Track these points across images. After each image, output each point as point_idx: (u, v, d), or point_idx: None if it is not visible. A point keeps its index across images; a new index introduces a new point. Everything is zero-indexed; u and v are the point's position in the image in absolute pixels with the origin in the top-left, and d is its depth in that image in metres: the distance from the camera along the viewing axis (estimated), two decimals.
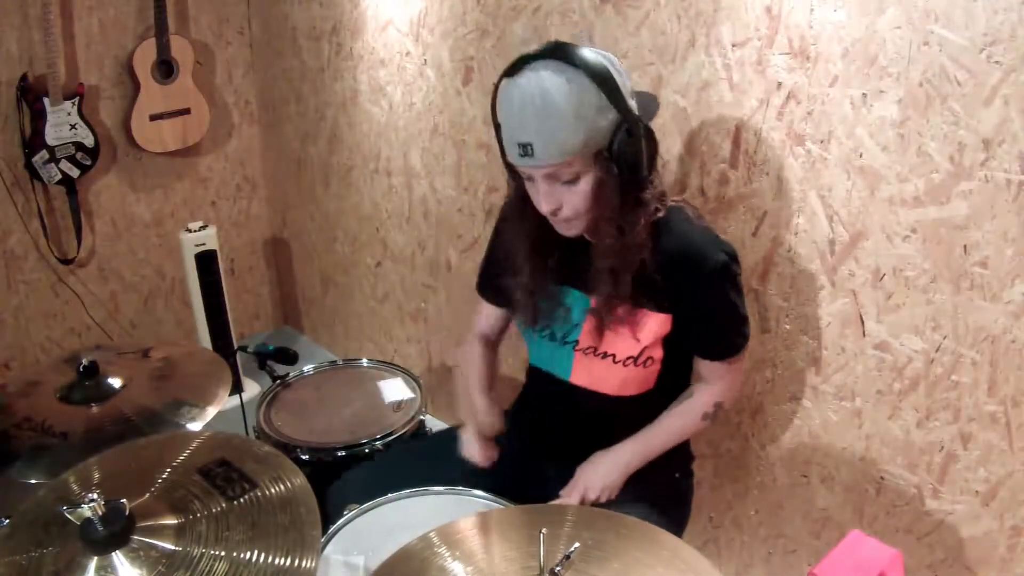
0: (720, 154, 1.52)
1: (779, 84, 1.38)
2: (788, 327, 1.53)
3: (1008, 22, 1.10)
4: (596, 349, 1.29)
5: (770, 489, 1.68)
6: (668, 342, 1.27)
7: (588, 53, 1.11)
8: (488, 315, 1.53)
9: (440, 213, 2.31)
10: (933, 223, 1.26)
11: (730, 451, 1.73)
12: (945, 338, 1.30)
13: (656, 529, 1.06)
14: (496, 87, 1.17)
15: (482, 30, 1.94)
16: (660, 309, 1.24)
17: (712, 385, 1.33)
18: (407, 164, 2.37)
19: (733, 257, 1.23)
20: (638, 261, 1.21)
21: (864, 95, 1.28)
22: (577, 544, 1.00)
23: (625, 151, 1.13)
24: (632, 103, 1.15)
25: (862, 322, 1.41)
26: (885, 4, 1.22)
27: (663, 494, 1.38)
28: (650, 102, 1.26)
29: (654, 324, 1.25)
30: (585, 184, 1.15)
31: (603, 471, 1.30)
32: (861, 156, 1.32)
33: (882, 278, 1.35)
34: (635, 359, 1.27)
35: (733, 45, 1.43)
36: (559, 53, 1.10)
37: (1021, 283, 1.20)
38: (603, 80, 1.09)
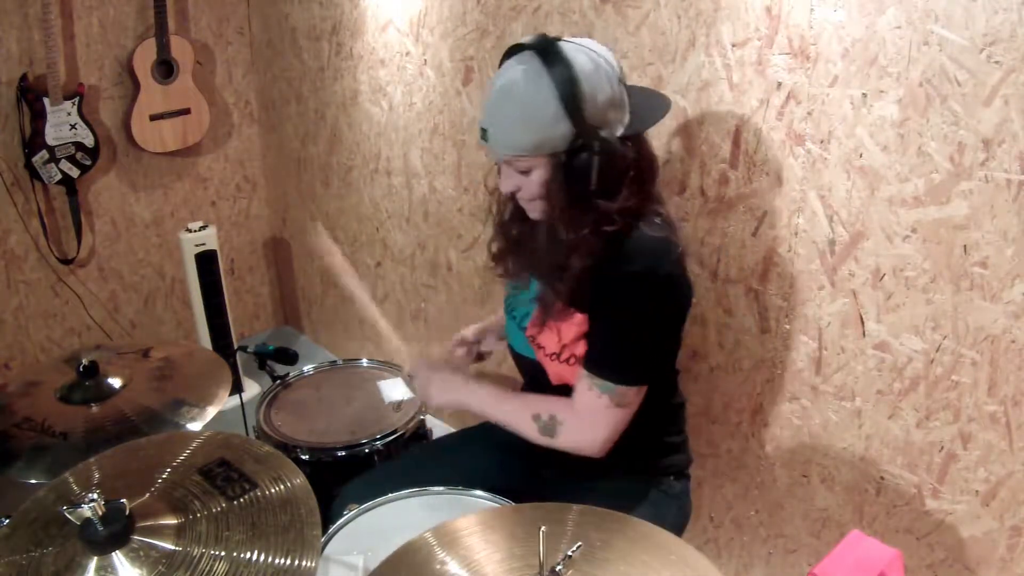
0: (720, 154, 1.52)
1: (779, 84, 1.38)
2: (788, 327, 1.53)
3: (1008, 22, 1.10)
4: (535, 338, 1.32)
5: (770, 489, 1.68)
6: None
7: (570, 56, 1.11)
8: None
9: (440, 213, 2.31)
10: (933, 223, 1.26)
11: (730, 451, 1.73)
12: (945, 338, 1.30)
13: (657, 529, 1.06)
14: (504, 56, 1.21)
15: (482, 30, 1.94)
16: (581, 308, 1.24)
17: (567, 399, 1.27)
18: (407, 164, 2.37)
19: (660, 276, 1.18)
20: (577, 265, 1.20)
21: (864, 95, 1.28)
22: (579, 543, 1.00)
23: (576, 165, 1.14)
24: (610, 115, 1.14)
25: (862, 322, 1.41)
26: (885, 4, 1.22)
27: (658, 496, 1.38)
28: (654, 105, 1.25)
29: (575, 323, 1.25)
30: (536, 178, 1.19)
31: (440, 391, 1.40)
32: (861, 156, 1.32)
33: (882, 278, 1.35)
34: (558, 355, 1.28)
35: (733, 45, 1.43)
36: (542, 50, 1.13)
37: (1021, 283, 1.20)
38: (567, 90, 1.10)
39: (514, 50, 1.18)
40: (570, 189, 1.16)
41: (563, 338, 1.27)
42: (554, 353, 1.29)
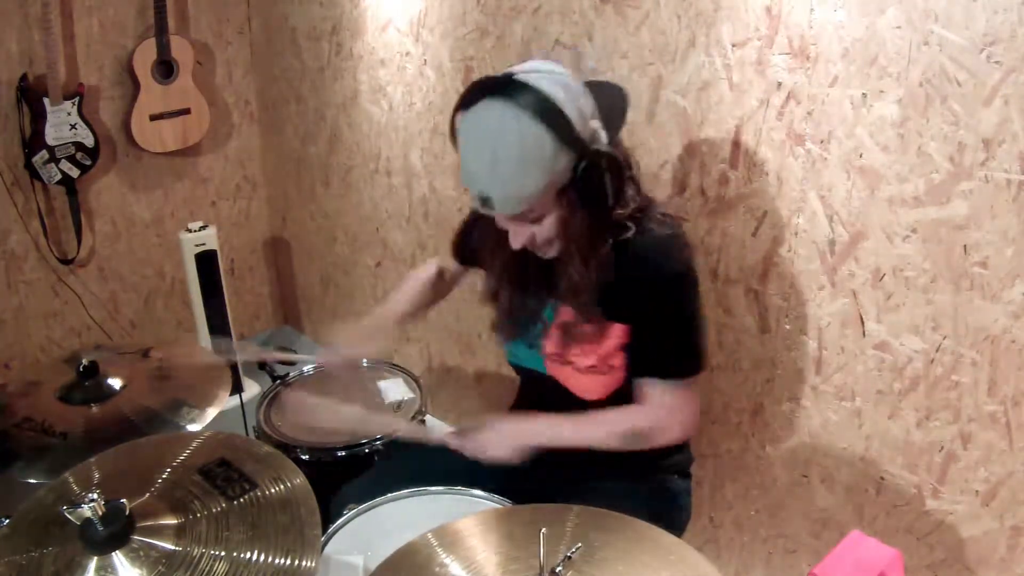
0: (720, 154, 1.52)
1: (779, 84, 1.38)
2: (788, 327, 1.53)
3: (1008, 22, 1.10)
4: (561, 356, 1.30)
5: (770, 489, 1.68)
6: (628, 349, 1.26)
7: (535, 86, 1.07)
8: (453, 264, 1.60)
9: (440, 213, 2.31)
10: (933, 223, 1.26)
11: (730, 451, 1.73)
12: (945, 338, 1.30)
13: (657, 530, 1.06)
14: (453, 116, 1.14)
15: (482, 30, 1.94)
16: (618, 320, 1.23)
17: (641, 406, 1.26)
18: (407, 164, 2.37)
19: (687, 271, 1.21)
20: (599, 280, 1.19)
21: (864, 95, 1.28)
22: (579, 544, 1.00)
23: (587, 188, 1.11)
24: (593, 126, 1.12)
25: (862, 322, 1.41)
26: (885, 4, 1.22)
27: (659, 496, 1.38)
28: (616, 101, 1.23)
29: (612, 336, 1.24)
30: (550, 221, 1.16)
31: (503, 444, 1.28)
32: (861, 156, 1.32)
33: (882, 278, 1.35)
34: (595, 367, 1.27)
35: (733, 45, 1.43)
36: (509, 91, 1.07)
37: (1021, 283, 1.20)
38: (554, 121, 1.06)
39: (469, 101, 1.10)
40: (588, 214, 1.14)
41: (600, 352, 1.25)
42: (590, 366, 1.27)
